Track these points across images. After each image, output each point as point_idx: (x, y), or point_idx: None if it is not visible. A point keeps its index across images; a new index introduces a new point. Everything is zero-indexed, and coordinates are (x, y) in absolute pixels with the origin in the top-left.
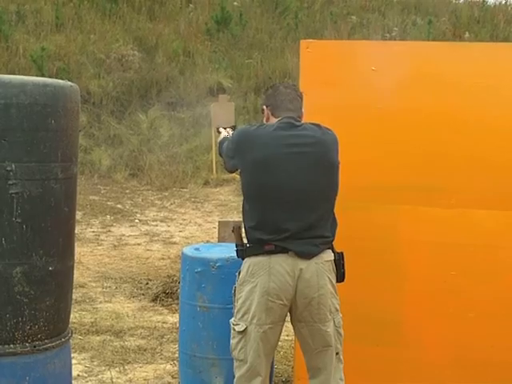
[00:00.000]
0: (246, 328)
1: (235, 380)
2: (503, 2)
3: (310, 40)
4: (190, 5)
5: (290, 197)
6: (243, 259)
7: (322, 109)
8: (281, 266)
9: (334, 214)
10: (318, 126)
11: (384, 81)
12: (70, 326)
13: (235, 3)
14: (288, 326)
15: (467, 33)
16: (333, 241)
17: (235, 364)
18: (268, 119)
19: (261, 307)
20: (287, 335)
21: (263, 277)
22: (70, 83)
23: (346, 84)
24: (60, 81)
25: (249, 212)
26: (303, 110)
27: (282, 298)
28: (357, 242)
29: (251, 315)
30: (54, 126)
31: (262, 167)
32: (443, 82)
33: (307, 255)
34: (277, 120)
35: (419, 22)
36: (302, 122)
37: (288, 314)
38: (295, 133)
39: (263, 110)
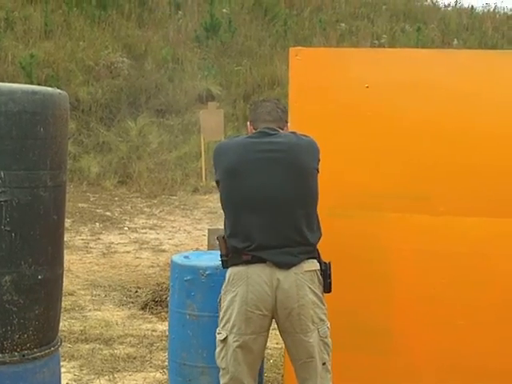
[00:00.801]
0: (226, 337)
1: None
2: (491, 10)
3: (299, 47)
4: (179, 12)
5: (262, 204)
6: (227, 268)
7: (311, 116)
8: (258, 276)
9: (317, 222)
10: (293, 133)
11: (373, 88)
12: (59, 334)
13: (224, 10)
14: (278, 334)
15: (456, 40)
16: (314, 250)
17: (220, 372)
18: (250, 132)
19: (240, 317)
20: (277, 343)
21: (242, 287)
22: (58, 91)
23: (336, 91)
24: (49, 88)
25: (226, 221)
26: (287, 121)
27: (261, 309)
28: (344, 250)
29: (231, 324)
30: (43, 134)
31: (232, 175)
32: (432, 89)
33: (285, 265)
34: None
35: (408, 29)
36: (283, 131)
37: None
38: (267, 140)
39: (247, 126)
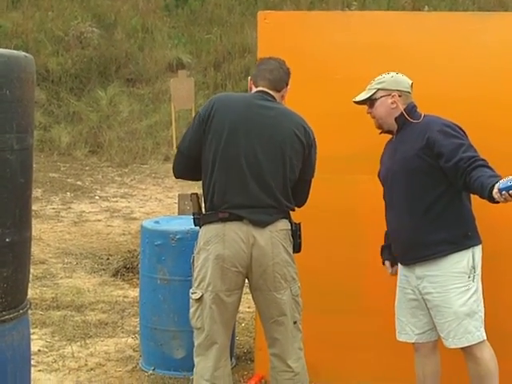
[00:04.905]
0: (202, 295)
1: (194, 349)
2: None
3: (268, 11)
4: None
5: (245, 167)
6: (200, 227)
7: None
8: (235, 233)
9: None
10: (288, 110)
11: (342, 51)
12: (28, 298)
13: None
14: (249, 298)
15: (426, 6)
16: (290, 210)
17: (194, 333)
18: (250, 89)
19: (216, 274)
20: (248, 307)
21: (218, 244)
22: (24, 53)
23: (305, 54)
24: (14, 51)
25: (207, 180)
26: (288, 84)
27: (237, 265)
28: (317, 212)
29: (207, 282)
30: (9, 97)
31: (225, 133)
32: (401, 52)
33: (261, 223)
34: (255, 89)
35: None
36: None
37: (247, 282)
38: (264, 104)
39: (249, 81)
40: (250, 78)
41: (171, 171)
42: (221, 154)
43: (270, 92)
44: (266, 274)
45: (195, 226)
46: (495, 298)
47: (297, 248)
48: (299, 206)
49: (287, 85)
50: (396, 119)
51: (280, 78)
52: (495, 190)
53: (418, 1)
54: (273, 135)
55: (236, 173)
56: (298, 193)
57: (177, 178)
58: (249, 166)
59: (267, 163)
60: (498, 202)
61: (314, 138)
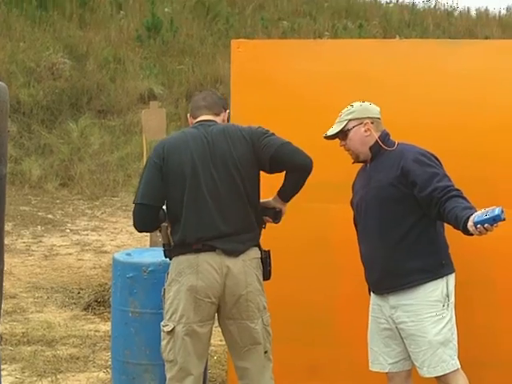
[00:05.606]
0: (173, 328)
1: (166, 382)
2: (432, 6)
3: (241, 39)
4: (121, 12)
5: (212, 198)
6: (170, 259)
7: (252, 108)
8: (208, 263)
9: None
10: (232, 125)
11: (315, 79)
12: None
13: (166, 10)
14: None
15: (397, 36)
16: (258, 237)
17: (166, 366)
18: (191, 124)
19: (189, 306)
20: (221, 340)
21: (191, 275)
22: None
23: (278, 83)
24: None
25: (175, 218)
26: (226, 108)
27: (210, 296)
28: (288, 241)
29: (179, 314)
30: None
31: (185, 172)
32: (373, 80)
33: (234, 252)
34: (194, 121)
35: (350, 26)
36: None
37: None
38: (206, 131)
39: (188, 118)
40: (188, 115)
41: None
42: (186, 192)
43: (210, 118)
44: (239, 303)
45: (165, 257)
46: (468, 326)
47: (266, 275)
48: (308, 168)
49: (225, 109)
50: (370, 148)
51: (214, 102)
52: (470, 223)
53: (389, 31)
54: (223, 156)
55: (203, 207)
56: (288, 161)
57: (140, 232)
58: (213, 197)
59: (228, 190)
60: (472, 235)
61: (256, 127)
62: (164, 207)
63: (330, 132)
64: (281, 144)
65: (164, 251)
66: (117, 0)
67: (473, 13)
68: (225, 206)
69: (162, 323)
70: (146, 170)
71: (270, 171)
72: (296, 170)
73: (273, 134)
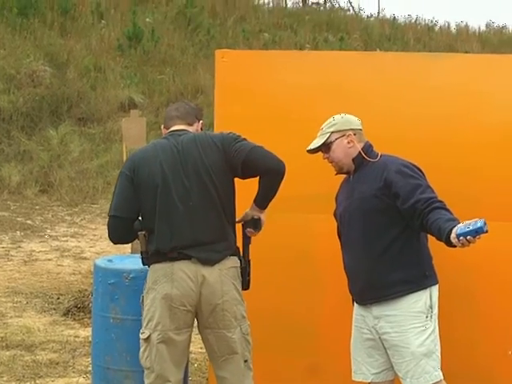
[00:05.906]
0: (149, 335)
1: None
2: (413, 21)
3: (225, 49)
4: (102, 21)
5: (184, 207)
6: (148, 266)
7: (236, 118)
8: (183, 272)
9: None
10: (204, 132)
11: (299, 90)
12: None
13: (148, 20)
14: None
15: (378, 49)
16: (235, 246)
17: (144, 373)
18: (164, 134)
19: (164, 313)
20: (201, 348)
21: (166, 284)
22: None
23: (261, 93)
24: None
25: (148, 228)
26: (199, 119)
27: (186, 304)
28: (271, 251)
29: (155, 322)
30: None
31: (157, 182)
32: (355, 91)
33: (210, 261)
34: (167, 132)
35: (331, 39)
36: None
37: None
38: (177, 141)
39: (162, 129)
40: (162, 126)
41: None
42: (157, 203)
43: (182, 127)
44: (215, 312)
45: (143, 265)
46: (450, 337)
47: (245, 285)
48: (281, 171)
49: (199, 120)
50: (353, 159)
51: (187, 112)
52: (453, 235)
53: (370, 44)
54: (194, 164)
55: (175, 216)
56: (260, 165)
57: (115, 244)
58: (185, 206)
59: (201, 198)
60: (455, 246)
61: (227, 132)
62: (140, 218)
63: (313, 145)
64: (252, 148)
65: (142, 259)
66: (98, 9)
67: (453, 28)
68: (198, 214)
69: (141, 330)
70: (118, 183)
71: (243, 176)
72: (268, 173)
73: (244, 138)
